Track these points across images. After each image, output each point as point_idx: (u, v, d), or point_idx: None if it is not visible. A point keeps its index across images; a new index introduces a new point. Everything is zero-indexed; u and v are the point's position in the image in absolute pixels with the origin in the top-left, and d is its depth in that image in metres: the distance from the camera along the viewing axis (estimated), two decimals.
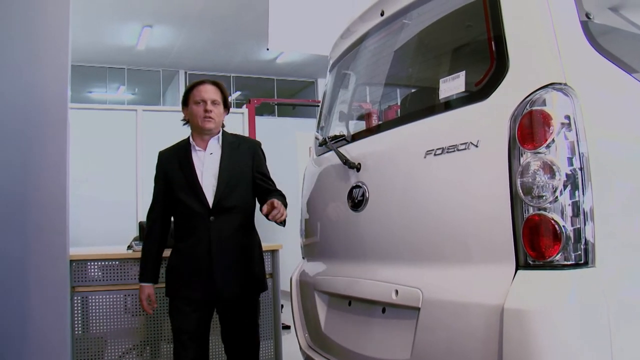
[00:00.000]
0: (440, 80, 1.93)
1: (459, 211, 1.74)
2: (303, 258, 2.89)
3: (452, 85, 1.87)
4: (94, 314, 3.47)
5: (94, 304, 3.48)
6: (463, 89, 1.84)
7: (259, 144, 2.86)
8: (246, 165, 2.74)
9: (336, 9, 5.01)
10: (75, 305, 3.42)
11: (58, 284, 2.65)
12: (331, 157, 2.48)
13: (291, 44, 5.95)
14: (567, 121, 1.51)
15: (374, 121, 2.53)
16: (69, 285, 3.02)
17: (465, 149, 1.71)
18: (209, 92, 2.70)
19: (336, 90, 2.86)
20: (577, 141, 1.50)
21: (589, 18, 1.65)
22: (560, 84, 1.54)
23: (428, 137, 1.90)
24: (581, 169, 1.49)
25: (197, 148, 2.72)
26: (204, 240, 2.62)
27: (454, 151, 1.75)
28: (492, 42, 1.75)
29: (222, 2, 9.37)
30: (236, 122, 6.18)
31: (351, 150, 2.35)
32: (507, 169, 1.58)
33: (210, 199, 2.64)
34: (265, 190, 2.75)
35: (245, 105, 6.95)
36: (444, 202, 1.81)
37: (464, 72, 1.85)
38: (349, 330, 2.27)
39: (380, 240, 2.13)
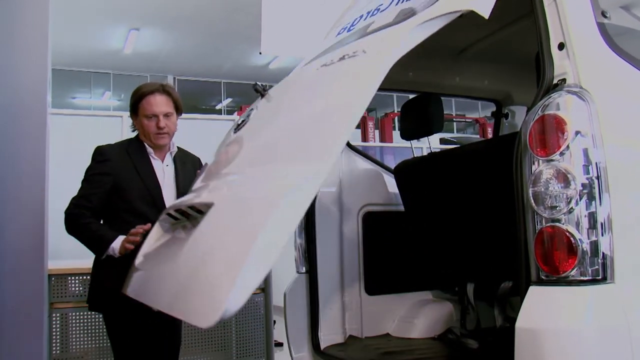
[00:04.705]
0: None
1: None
2: (297, 272, 2.78)
3: None
4: (73, 333, 3.38)
5: (74, 321, 3.38)
6: None
7: (199, 162, 2.74)
8: (191, 183, 2.56)
9: (330, 12, 4.97)
10: (54, 323, 3.33)
11: (35, 300, 2.58)
12: None
13: (284, 48, 5.94)
14: (582, 127, 1.44)
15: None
16: (47, 302, 2.94)
17: None
18: (160, 105, 2.53)
19: None
20: (594, 148, 1.44)
21: (605, 17, 1.58)
22: (575, 86, 1.48)
23: None
24: (598, 177, 1.43)
25: (154, 157, 2.58)
26: None
27: None
28: None
29: (213, 4, 9.32)
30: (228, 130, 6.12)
31: None
32: (519, 177, 1.50)
33: None
34: None
35: (236, 113, 6.89)
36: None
37: None
38: None
39: None
